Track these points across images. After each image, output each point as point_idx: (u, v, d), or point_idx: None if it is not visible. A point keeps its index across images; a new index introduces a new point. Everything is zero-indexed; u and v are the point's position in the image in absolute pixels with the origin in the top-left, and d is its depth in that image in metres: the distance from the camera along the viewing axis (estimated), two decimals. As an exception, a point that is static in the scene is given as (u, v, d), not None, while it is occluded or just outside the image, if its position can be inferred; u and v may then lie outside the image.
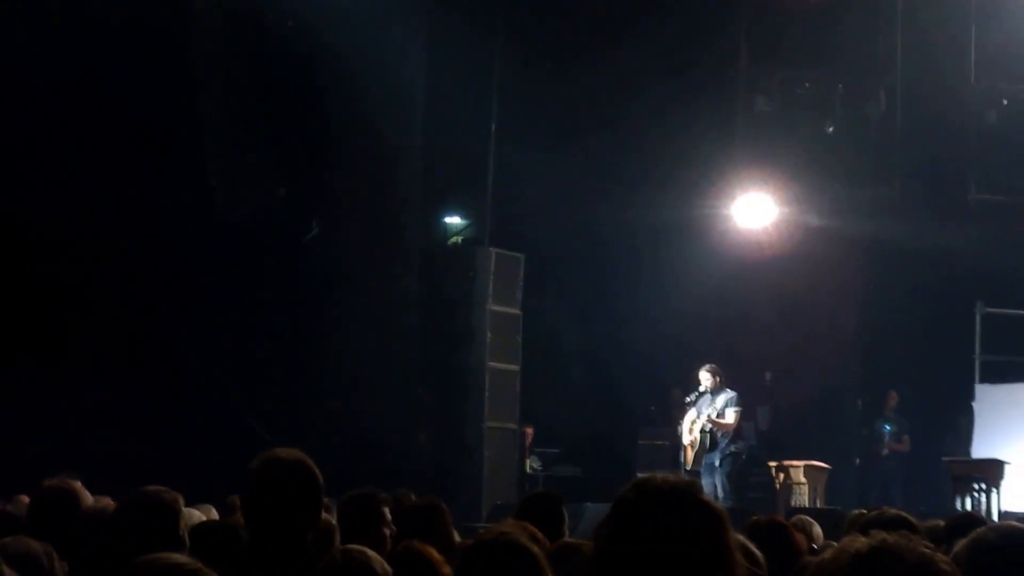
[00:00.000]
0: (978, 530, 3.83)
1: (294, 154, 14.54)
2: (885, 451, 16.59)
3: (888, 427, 16.75)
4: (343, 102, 14.43)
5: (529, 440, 16.57)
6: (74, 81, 12.79)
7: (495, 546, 3.43)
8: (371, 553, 3.76)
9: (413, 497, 6.84)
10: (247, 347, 13.72)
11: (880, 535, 2.21)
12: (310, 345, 14.37)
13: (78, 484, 5.12)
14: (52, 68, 12.68)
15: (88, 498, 5.13)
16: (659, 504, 2.57)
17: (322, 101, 14.44)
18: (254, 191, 14.12)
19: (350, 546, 3.85)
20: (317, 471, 3.88)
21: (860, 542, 2.21)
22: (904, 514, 5.80)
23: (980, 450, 15.28)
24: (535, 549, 3.43)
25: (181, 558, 2.96)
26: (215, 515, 6.41)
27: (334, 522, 5.57)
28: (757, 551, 4.31)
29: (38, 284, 12.48)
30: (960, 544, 3.85)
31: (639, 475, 3.26)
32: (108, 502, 5.29)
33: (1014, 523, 3.97)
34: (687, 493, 2.60)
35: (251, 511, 3.85)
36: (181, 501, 4.37)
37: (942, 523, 6.11)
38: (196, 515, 5.37)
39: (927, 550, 2.19)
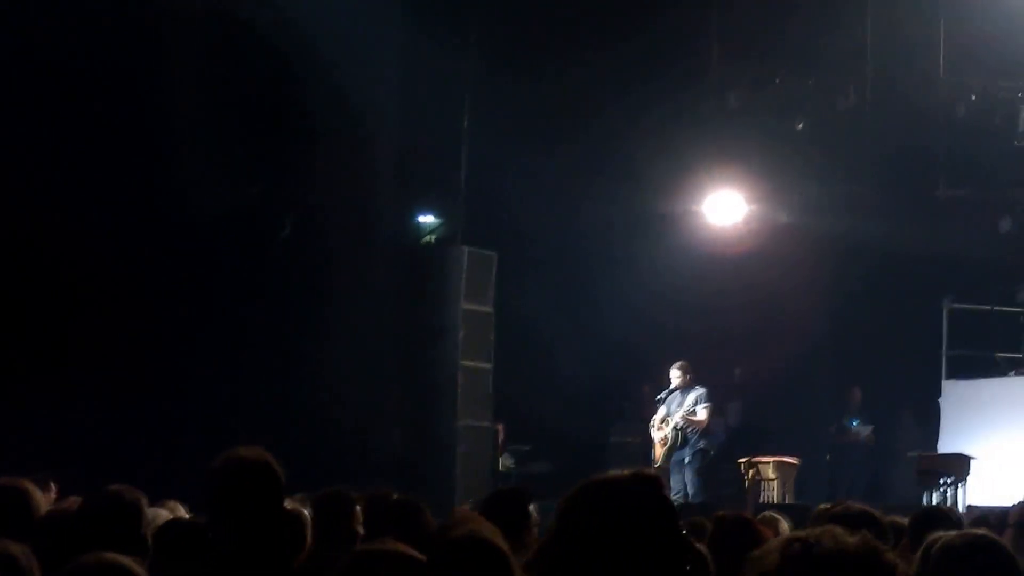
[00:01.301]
0: (948, 536, 3.92)
1: (267, 153, 14.53)
2: (862, 440, 16.70)
3: (856, 422, 16.87)
4: (316, 101, 14.44)
5: (501, 437, 16.63)
6: (47, 78, 12.76)
7: (464, 544, 3.44)
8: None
9: (395, 495, 6.86)
10: (219, 344, 13.71)
11: (815, 531, 2.14)
12: (283, 343, 14.37)
13: (30, 484, 5.09)
14: (24, 65, 12.64)
15: (40, 498, 5.11)
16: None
17: (295, 100, 14.45)
18: (227, 189, 14.11)
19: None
20: (279, 469, 3.92)
21: (795, 540, 2.14)
22: (868, 508, 5.88)
23: (947, 445, 15.36)
24: (504, 547, 3.46)
25: (112, 557, 2.99)
26: (182, 512, 6.42)
27: (308, 516, 5.60)
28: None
29: (8, 284, 12.45)
30: (930, 541, 3.94)
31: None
32: (75, 502, 5.30)
33: (979, 531, 4.05)
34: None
35: (212, 508, 3.88)
36: (144, 500, 4.38)
37: (904, 519, 6.18)
38: (163, 514, 5.38)
39: (866, 545, 2.11)
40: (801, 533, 2.16)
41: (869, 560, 2.09)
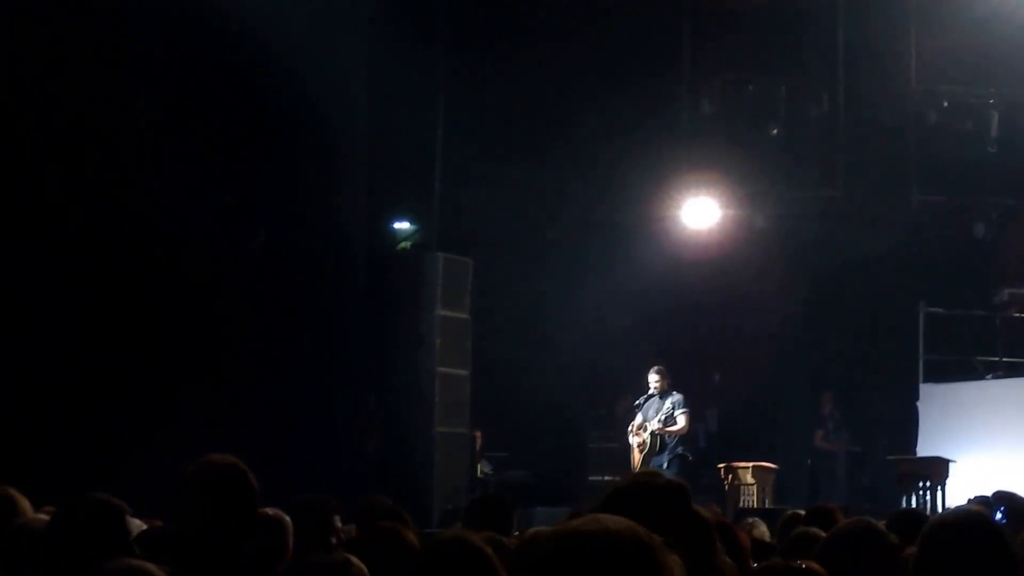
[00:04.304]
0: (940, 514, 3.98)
1: (239, 162, 14.45)
2: (841, 450, 16.71)
3: (832, 428, 16.88)
4: (288, 108, 14.37)
5: (479, 444, 16.59)
6: (16, 88, 12.65)
7: (449, 547, 3.41)
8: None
9: (388, 503, 6.80)
10: (192, 354, 13.61)
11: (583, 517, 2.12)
12: (257, 351, 14.28)
13: (14, 492, 5.00)
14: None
15: (27, 507, 5.02)
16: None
17: (267, 108, 14.37)
18: (199, 199, 14.03)
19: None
20: (251, 477, 3.87)
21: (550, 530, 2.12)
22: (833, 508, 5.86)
23: (925, 448, 15.41)
24: (489, 550, 3.42)
25: (143, 564, 2.95)
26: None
27: (289, 523, 5.53)
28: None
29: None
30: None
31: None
32: (48, 511, 5.22)
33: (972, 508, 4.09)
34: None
35: (185, 516, 3.82)
36: (127, 508, 4.31)
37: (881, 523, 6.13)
38: (136, 523, 5.30)
39: (630, 529, 2.08)
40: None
41: (630, 543, 2.05)
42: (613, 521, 2.09)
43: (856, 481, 16.94)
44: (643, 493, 2.95)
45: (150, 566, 2.99)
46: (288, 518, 5.50)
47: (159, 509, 6.73)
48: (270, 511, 5.09)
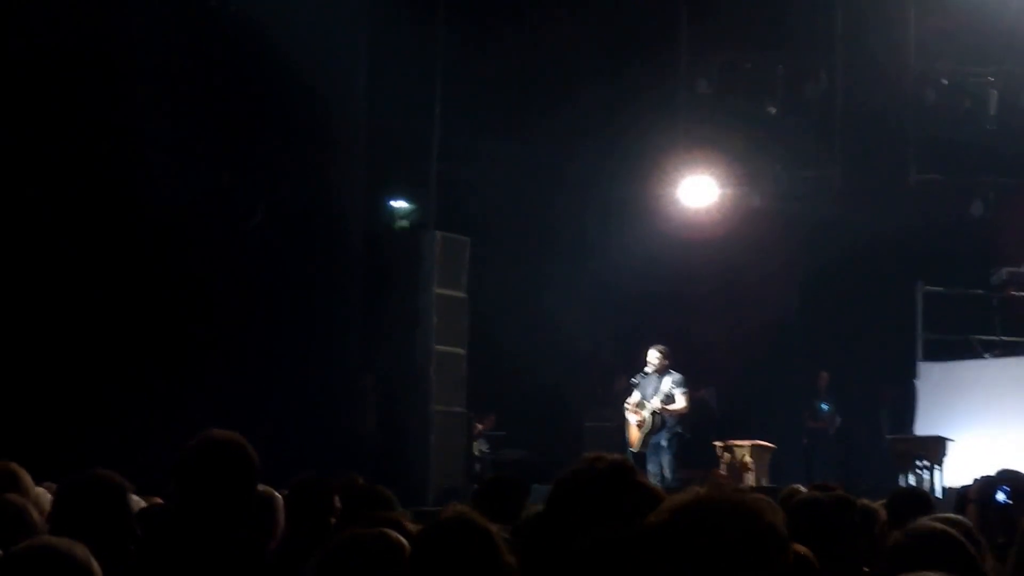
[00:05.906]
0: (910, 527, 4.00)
1: (238, 140, 14.42)
2: (832, 431, 16.73)
3: (826, 407, 16.90)
4: (286, 85, 14.33)
5: (488, 427, 16.66)
6: (14, 68, 12.61)
7: (452, 526, 3.39)
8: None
9: (361, 481, 6.81)
10: (190, 332, 13.60)
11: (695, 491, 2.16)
12: (254, 329, 14.27)
13: (15, 466, 5.00)
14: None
15: (29, 482, 5.02)
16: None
17: (265, 85, 14.33)
18: (198, 177, 14.00)
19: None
20: (252, 451, 3.85)
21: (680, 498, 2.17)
22: (842, 490, 5.85)
23: (923, 427, 15.44)
24: (493, 529, 3.40)
25: (59, 541, 2.94)
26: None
27: (280, 500, 5.52)
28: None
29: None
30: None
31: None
32: (47, 487, 5.23)
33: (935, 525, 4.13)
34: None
35: (184, 490, 3.80)
36: (128, 485, 4.31)
37: (874, 503, 6.13)
38: (136, 501, 5.30)
39: (747, 497, 2.13)
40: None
41: (748, 514, 2.10)
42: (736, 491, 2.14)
43: (853, 460, 16.95)
44: (588, 479, 3.00)
45: (66, 543, 2.97)
46: (278, 495, 5.48)
47: (159, 487, 6.72)
48: (260, 488, 5.08)
